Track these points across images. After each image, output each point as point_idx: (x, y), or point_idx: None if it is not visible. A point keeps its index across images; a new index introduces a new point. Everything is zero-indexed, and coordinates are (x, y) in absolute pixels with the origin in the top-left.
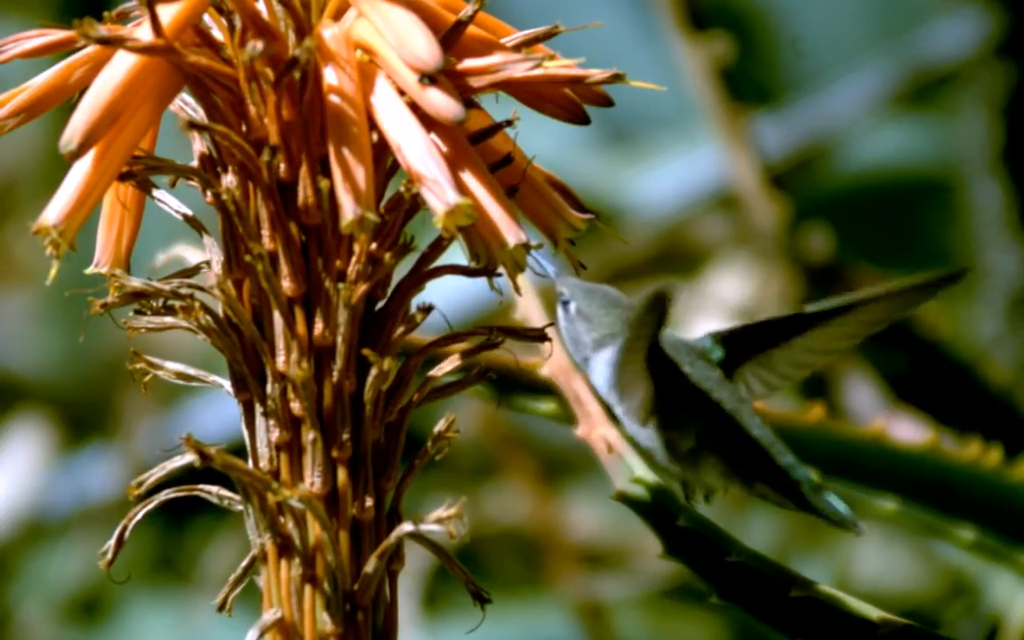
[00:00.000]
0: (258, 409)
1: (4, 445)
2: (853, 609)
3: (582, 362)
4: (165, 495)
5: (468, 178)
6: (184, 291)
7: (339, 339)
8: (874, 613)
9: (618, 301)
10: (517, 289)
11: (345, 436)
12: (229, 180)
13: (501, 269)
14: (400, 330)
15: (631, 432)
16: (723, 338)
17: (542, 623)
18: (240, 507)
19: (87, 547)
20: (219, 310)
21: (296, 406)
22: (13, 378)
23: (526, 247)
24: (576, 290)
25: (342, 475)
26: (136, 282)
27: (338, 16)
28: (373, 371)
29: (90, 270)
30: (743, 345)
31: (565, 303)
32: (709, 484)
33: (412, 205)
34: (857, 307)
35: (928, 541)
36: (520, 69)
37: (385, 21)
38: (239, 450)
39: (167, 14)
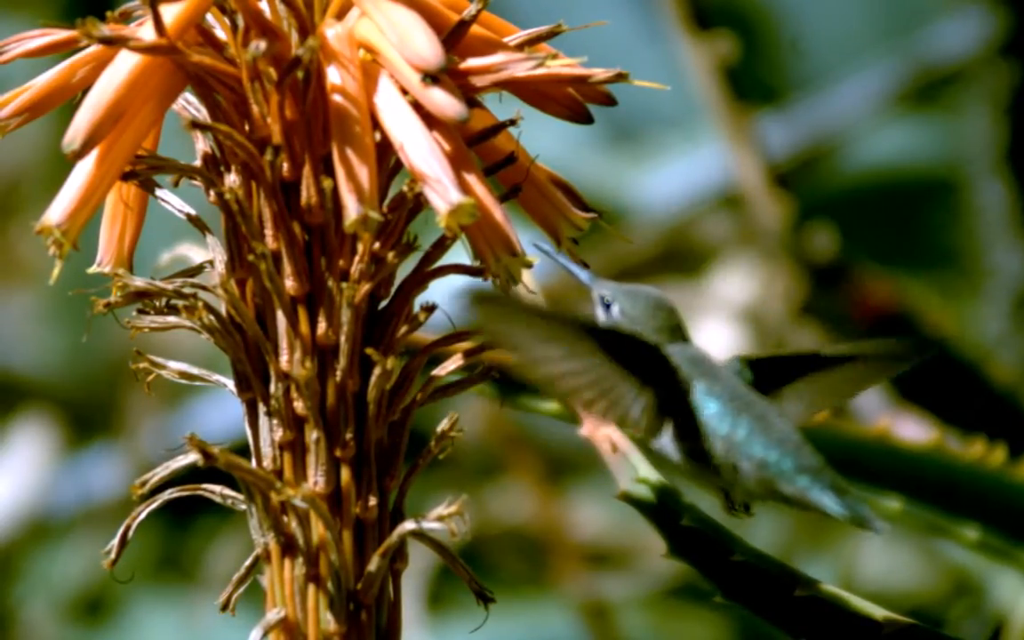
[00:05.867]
0: (261, 408)
1: (8, 444)
2: (857, 608)
3: None
4: (169, 494)
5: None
6: (187, 290)
7: (342, 338)
8: (878, 612)
9: (660, 301)
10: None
11: (348, 435)
12: (232, 179)
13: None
14: (403, 329)
15: (665, 446)
16: (748, 363)
17: (546, 622)
18: (244, 506)
19: (91, 546)
20: (222, 309)
21: (299, 405)
22: (17, 377)
23: (523, 261)
24: (617, 293)
25: (345, 474)
26: (139, 281)
27: (341, 15)
28: (376, 370)
29: (93, 269)
30: (764, 376)
31: (608, 306)
32: (749, 492)
33: (415, 204)
34: (858, 360)
35: (932, 540)
36: (523, 68)
37: (388, 20)
38: (243, 449)
39: (170, 14)
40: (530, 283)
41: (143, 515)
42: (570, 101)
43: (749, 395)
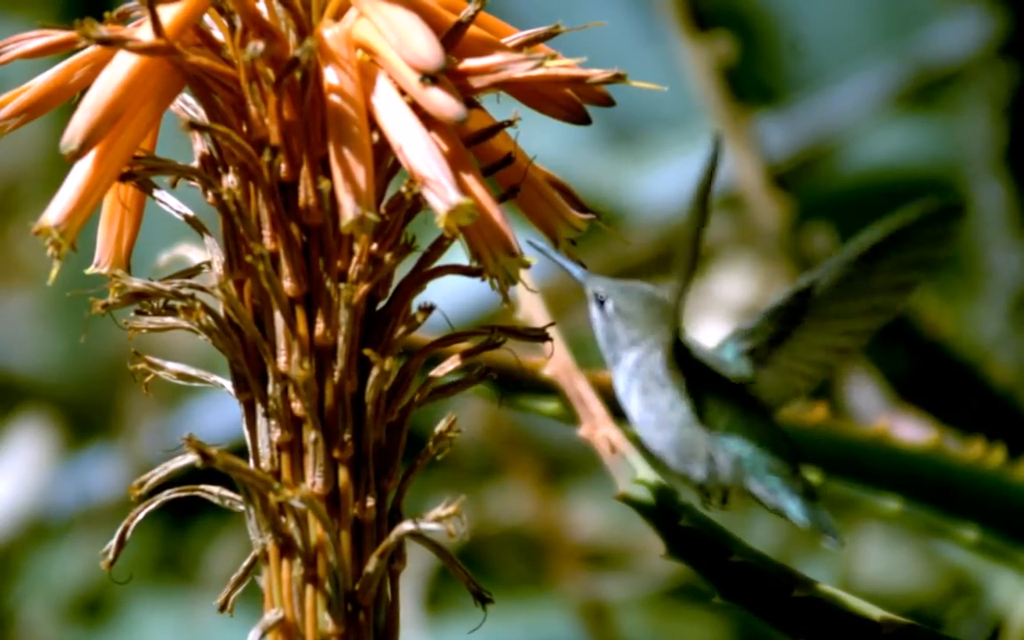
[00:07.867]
0: (259, 409)
1: (7, 445)
2: (855, 609)
3: (613, 360)
4: (167, 495)
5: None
6: (185, 291)
7: (340, 339)
8: (876, 613)
9: (653, 297)
10: (506, 299)
11: (346, 436)
12: (230, 180)
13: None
14: (401, 330)
15: (647, 437)
16: (743, 339)
17: (545, 623)
18: (242, 507)
19: (90, 547)
20: (220, 310)
21: (297, 406)
22: (16, 378)
23: (521, 261)
24: (611, 289)
25: (343, 475)
26: (137, 282)
27: (339, 16)
28: (374, 371)
29: (90, 270)
30: (762, 346)
31: (601, 302)
32: (724, 487)
33: (413, 205)
34: (856, 263)
35: (931, 541)
36: (521, 69)
37: (386, 21)
38: (241, 450)
39: (168, 14)
40: (528, 282)
41: (141, 516)
42: (568, 102)
43: (736, 388)
